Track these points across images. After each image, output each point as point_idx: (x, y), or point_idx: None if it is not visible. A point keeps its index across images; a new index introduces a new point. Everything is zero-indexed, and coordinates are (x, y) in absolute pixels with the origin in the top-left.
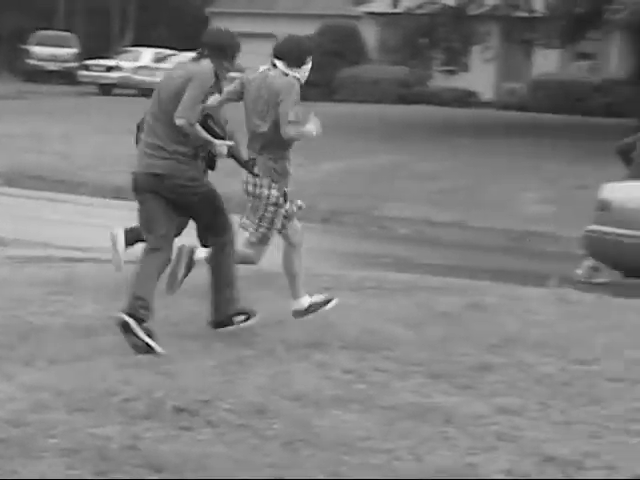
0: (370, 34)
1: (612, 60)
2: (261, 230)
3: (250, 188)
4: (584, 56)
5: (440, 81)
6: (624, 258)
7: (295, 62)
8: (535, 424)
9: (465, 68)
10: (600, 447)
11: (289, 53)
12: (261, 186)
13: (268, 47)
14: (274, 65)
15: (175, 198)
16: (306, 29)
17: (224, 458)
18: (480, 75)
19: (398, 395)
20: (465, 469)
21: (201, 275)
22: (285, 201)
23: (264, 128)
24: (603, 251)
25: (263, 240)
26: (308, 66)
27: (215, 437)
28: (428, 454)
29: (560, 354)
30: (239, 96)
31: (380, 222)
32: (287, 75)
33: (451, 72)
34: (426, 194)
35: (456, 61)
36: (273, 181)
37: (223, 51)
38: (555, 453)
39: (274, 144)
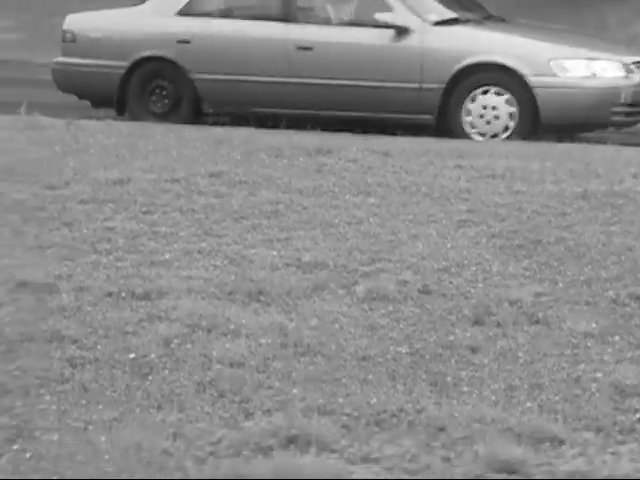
0: None
1: None
2: None
3: None
4: None
5: None
6: (90, 88)
7: None
8: (9, 251)
9: None
10: (72, 269)
11: None
12: None
13: None
14: None
15: None
16: None
17: None
18: None
19: None
20: None
21: None
22: None
23: None
24: (71, 82)
25: None
26: None
27: None
28: None
29: (31, 180)
30: None
31: None
32: None
33: None
34: None
35: None
36: None
37: None
38: (29, 278)
39: None
